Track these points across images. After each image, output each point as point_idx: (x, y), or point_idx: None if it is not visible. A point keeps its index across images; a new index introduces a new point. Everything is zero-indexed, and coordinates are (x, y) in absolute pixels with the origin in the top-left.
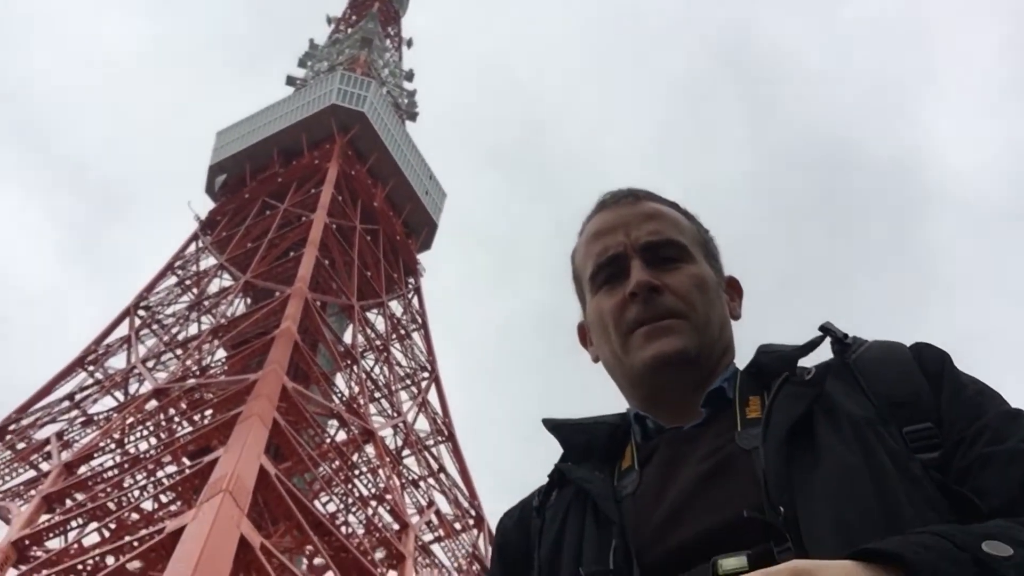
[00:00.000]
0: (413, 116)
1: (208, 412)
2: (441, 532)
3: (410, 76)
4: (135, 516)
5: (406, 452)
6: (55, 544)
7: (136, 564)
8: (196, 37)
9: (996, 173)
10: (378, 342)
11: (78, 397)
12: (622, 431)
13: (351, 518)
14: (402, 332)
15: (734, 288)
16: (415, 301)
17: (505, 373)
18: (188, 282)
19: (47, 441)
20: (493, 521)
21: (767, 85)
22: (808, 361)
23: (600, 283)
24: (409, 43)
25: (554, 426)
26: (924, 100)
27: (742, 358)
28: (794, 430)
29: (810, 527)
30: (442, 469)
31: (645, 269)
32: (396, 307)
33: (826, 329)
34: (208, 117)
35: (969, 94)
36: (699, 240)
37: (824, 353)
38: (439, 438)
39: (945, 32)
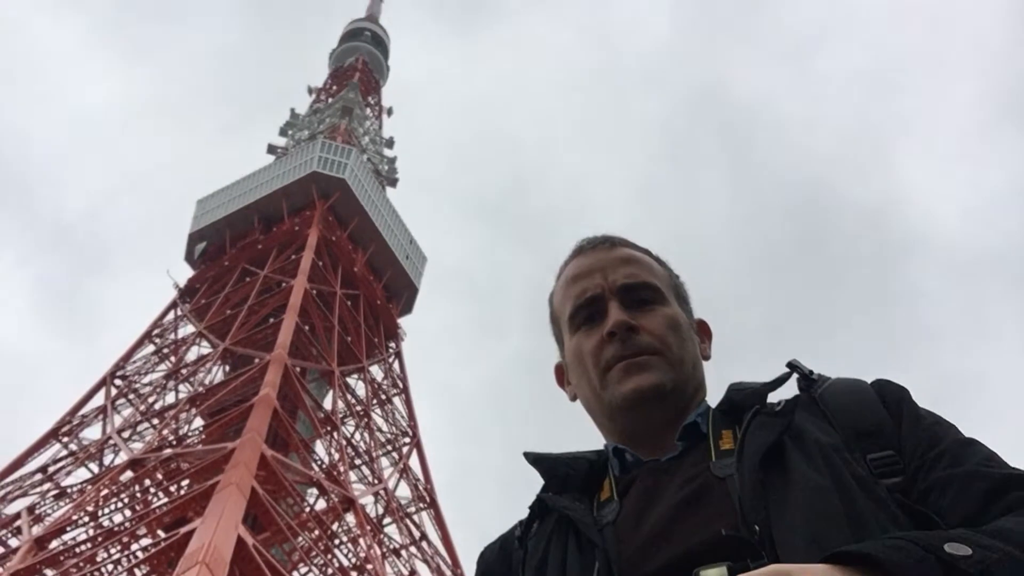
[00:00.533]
0: (393, 182)
1: (185, 482)
2: None
3: (390, 143)
4: None
5: (387, 520)
6: None
7: None
8: (176, 97)
9: (974, 216)
10: (359, 407)
11: (51, 469)
12: (600, 465)
13: None
14: (383, 397)
15: (704, 330)
16: (396, 365)
17: (493, 423)
18: (166, 350)
19: (18, 515)
20: None
21: (745, 132)
22: (776, 396)
23: (579, 323)
24: (389, 111)
25: (535, 459)
26: (899, 146)
27: (713, 398)
28: (766, 456)
29: (784, 542)
30: (424, 537)
31: (622, 310)
32: (377, 372)
33: (793, 366)
34: (187, 177)
35: (943, 140)
36: (671, 284)
37: (791, 390)
38: (421, 505)
39: (918, 81)
